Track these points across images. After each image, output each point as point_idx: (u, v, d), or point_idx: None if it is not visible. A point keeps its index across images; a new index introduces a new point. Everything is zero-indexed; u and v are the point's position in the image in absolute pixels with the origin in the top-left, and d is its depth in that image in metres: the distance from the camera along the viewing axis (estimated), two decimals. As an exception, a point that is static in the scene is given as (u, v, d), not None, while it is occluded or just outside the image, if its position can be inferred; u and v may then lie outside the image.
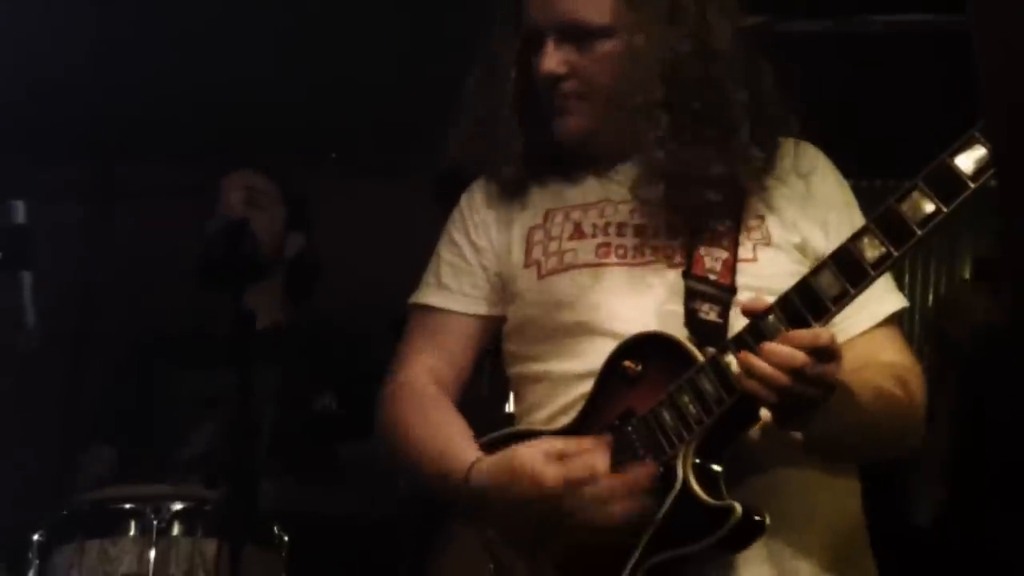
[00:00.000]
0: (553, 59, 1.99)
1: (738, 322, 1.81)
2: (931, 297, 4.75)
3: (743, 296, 1.89)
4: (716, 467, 1.77)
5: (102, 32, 3.59)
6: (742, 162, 1.93)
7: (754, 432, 1.81)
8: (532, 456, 1.80)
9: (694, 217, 1.96)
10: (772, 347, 1.67)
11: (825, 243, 1.93)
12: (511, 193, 2.10)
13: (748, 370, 1.68)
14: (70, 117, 3.98)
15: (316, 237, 3.48)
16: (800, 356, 1.65)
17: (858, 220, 1.94)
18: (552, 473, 1.76)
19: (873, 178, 3.54)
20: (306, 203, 3.48)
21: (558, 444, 1.81)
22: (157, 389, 3.21)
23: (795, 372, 1.65)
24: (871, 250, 1.67)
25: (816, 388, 1.68)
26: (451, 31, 2.68)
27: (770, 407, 1.72)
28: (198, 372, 3.13)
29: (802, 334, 1.67)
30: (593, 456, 1.79)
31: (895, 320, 1.98)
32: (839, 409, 1.72)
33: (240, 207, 3.26)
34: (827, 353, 1.67)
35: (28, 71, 3.50)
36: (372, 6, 3.49)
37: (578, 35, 1.99)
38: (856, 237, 1.69)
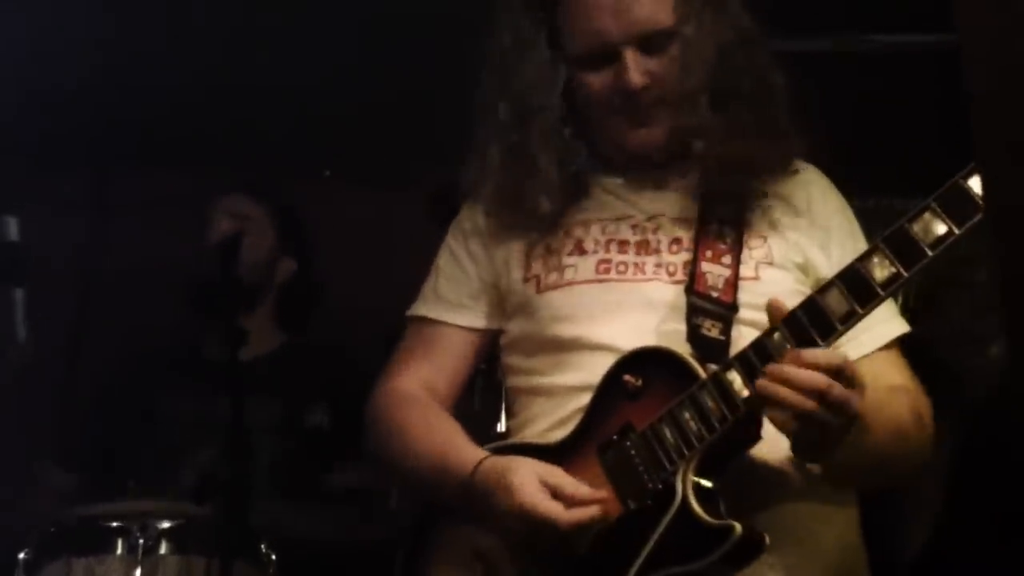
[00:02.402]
0: (638, 71, 1.95)
1: (741, 339, 1.80)
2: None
3: (745, 314, 1.87)
4: (716, 485, 1.75)
5: (98, 44, 3.56)
6: (785, 148, 1.94)
7: (755, 456, 1.79)
8: (528, 479, 1.77)
9: (739, 207, 1.95)
10: (792, 371, 1.62)
11: (827, 263, 1.92)
12: (518, 211, 2.06)
13: (770, 397, 1.64)
14: (65, 130, 3.96)
15: (314, 262, 3.41)
16: (821, 378, 1.61)
17: (859, 242, 1.94)
18: (545, 507, 1.74)
19: (868, 198, 3.53)
20: (300, 227, 3.41)
21: (557, 477, 1.78)
22: (153, 413, 3.17)
23: (819, 395, 1.61)
24: (880, 270, 1.65)
25: (839, 417, 1.64)
26: (446, 46, 2.66)
27: (792, 436, 1.69)
28: (192, 396, 3.09)
29: (816, 353, 1.63)
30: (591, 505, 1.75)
31: (898, 344, 1.96)
32: (858, 439, 1.69)
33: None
34: (848, 376, 1.63)
35: (22, 84, 3.48)
36: (369, 21, 3.47)
37: (655, 42, 1.96)
38: (865, 257, 1.67)
